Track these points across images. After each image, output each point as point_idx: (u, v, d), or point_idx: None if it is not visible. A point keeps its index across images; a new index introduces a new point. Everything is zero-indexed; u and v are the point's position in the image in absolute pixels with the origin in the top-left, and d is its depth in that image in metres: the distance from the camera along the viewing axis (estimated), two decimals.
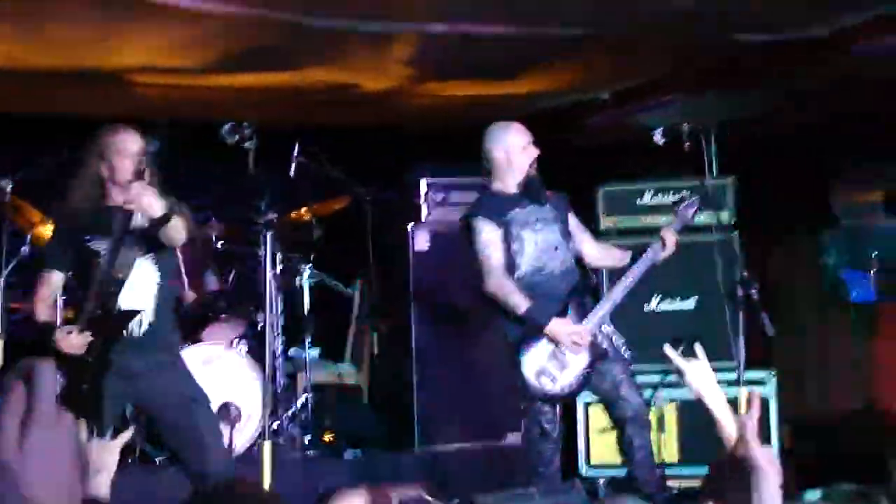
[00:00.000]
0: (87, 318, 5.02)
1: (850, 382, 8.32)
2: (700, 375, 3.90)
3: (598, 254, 6.12)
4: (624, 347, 5.90)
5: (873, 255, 8.29)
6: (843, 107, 8.05)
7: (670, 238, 5.80)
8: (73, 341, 4.96)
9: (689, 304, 7.10)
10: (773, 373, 7.00)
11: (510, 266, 5.81)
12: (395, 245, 7.71)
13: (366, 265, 7.89)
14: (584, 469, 7.05)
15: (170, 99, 7.65)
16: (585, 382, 5.76)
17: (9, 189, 6.86)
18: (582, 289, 5.86)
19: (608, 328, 5.85)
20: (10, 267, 6.87)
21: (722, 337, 6.41)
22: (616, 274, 6.03)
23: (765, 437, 6.72)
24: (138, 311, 5.13)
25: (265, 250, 5.02)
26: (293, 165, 7.22)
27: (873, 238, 8.38)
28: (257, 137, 4.94)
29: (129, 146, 5.11)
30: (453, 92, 8.18)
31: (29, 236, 6.94)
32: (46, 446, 2.00)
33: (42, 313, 5.22)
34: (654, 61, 7.54)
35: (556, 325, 5.68)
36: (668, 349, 4.97)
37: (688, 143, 5.71)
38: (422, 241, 7.58)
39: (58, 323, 5.43)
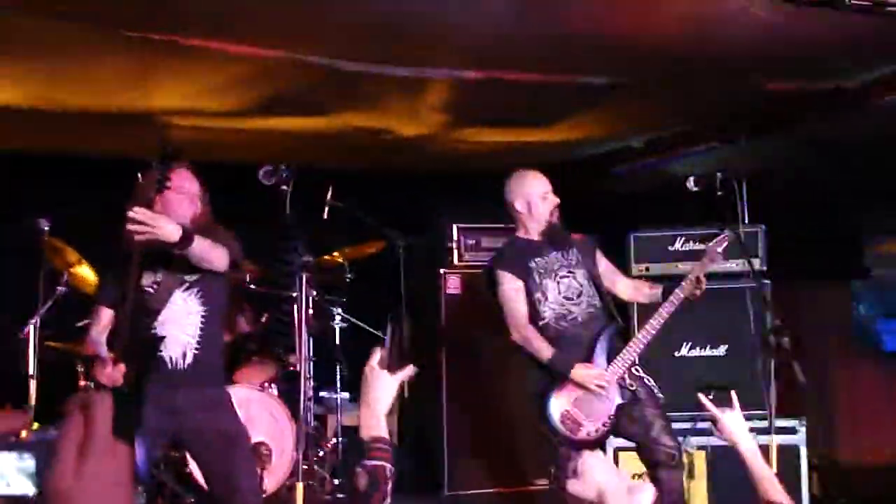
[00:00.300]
0: (120, 349, 4.94)
1: (881, 433, 8.28)
2: (733, 424, 3.94)
3: (631, 291, 6.10)
4: (656, 389, 5.85)
5: None
6: (875, 160, 8.05)
7: (699, 276, 5.75)
8: (110, 373, 4.86)
9: (720, 351, 7.07)
10: (803, 421, 6.97)
11: (534, 314, 5.82)
12: (426, 289, 7.73)
13: (397, 309, 7.92)
14: None
15: (204, 141, 7.70)
16: (613, 427, 5.72)
17: (46, 229, 6.94)
18: (608, 333, 5.80)
19: (638, 371, 5.82)
20: (46, 307, 6.94)
21: (752, 385, 6.39)
22: (646, 315, 5.97)
23: (794, 486, 6.72)
24: (163, 337, 5.07)
25: (300, 292, 4.97)
26: (326, 209, 7.26)
27: None
28: (293, 180, 4.94)
29: (185, 185, 5.12)
30: (486, 138, 8.24)
31: (65, 277, 6.99)
32: (102, 474, 2.03)
33: (97, 347, 5.12)
34: (687, 110, 7.58)
35: (580, 371, 5.67)
36: (702, 397, 5.00)
37: (720, 192, 5.69)
38: (453, 286, 7.59)
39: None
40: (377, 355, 3.44)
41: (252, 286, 7.39)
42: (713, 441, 6.47)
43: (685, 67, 6.52)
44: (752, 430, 5.65)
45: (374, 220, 7.46)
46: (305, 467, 7.11)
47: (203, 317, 5.16)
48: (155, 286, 5.10)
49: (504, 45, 6.13)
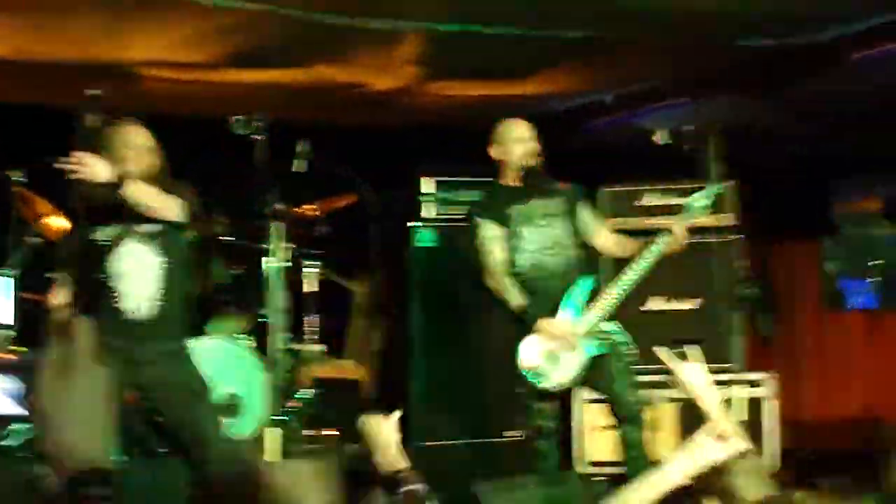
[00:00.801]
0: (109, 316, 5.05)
1: (847, 386, 8.37)
2: (693, 377, 3.87)
3: (611, 245, 6.03)
4: (626, 345, 5.85)
5: (873, 264, 8.33)
6: (844, 117, 8.09)
7: (680, 230, 5.71)
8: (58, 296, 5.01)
9: (691, 305, 7.11)
10: (771, 374, 7.03)
11: (510, 262, 5.81)
12: (399, 242, 7.74)
13: (369, 261, 7.95)
14: (580, 466, 7.09)
15: (178, 94, 7.67)
16: (579, 380, 5.72)
17: (22, 180, 6.93)
18: (581, 286, 5.76)
19: (609, 325, 5.79)
20: (21, 256, 6.94)
21: (723, 339, 6.47)
22: (621, 269, 5.89)
23: (764, 438, 6.80)
24: (170, 320, 5.17)
25: (272, 240, 4.94)
26: (299, 162, 7.24)
27: (873, 246, 8.43)
28: (267, 131, 4.94)
29: (136, 140, 5.16)
30: (460, 92, 8.24)
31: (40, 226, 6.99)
32: (83, 392, 2.07)
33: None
34: (659, 65, 7.59)
35: (546, 323, 5.67)
36: (658, 351, 5.05)
37: (689, 146, 5.69)
38: (426, 238, 7.60)
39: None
40: (364, 419, 3.62)
41: (224, 238, 7.38)
42: (681, 394, 6.53)
43: (659, 22, 6.53)
44: (721, 382, 5.74)
45: (347, 173, 7.47)
46: (278, 418, 7.16)
47: (163, 268, 5.15)
48: (110, 240, 5.13)
49: None
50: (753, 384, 6.87)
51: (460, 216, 7.58)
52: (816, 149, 8.39)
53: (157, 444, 6.59)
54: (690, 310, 7.06)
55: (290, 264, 7.49)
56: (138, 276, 5.11)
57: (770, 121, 8.37)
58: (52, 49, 6.95)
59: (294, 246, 7.52)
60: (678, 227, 5.69)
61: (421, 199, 7.63)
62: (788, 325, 8.54)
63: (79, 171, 4.76)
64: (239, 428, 6.87)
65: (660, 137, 5.75)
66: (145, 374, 5.14)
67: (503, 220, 5.82)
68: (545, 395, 5.75)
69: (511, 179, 5.92)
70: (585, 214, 5.99)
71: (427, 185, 7.65)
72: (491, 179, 7.64)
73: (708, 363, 3.94)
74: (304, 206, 7.62)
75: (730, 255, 6.79)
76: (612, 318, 5.80)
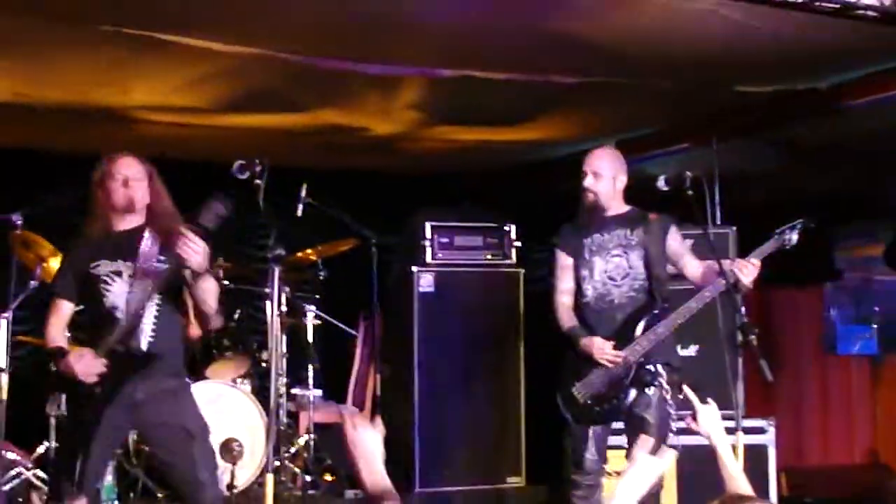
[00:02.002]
0: (106, 350, 5.00)
1: (849, 434, 8.33)
2: (710, 418, 4.04)
3: (699, 275, 5.84)
4: (667, 390, 5.65)
5: (875, 309, 8.32)
6: (846, 163, 8.10)
7: (751, 264, 5.58)
8: (89, 366, 4.95)
9: (690, 351, 7.09)
10: (771, 421, 7.00)
11: (578, 292, 5.81)
12: (399, 287, 7.74)
13: (370, 307, 7.94)
14: None
15: (177, 137, 7.69)
16: (624, 410, 5.62)
17: (19, 223, 6.92)
18: (647, 316, 5.68)
19: (660, 367, 5.63)
20: (18, 300, 6.92)
21: (723, 385, 6.42)
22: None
23: (763, 485, 6.76)
24: (160, 356, 5.12)
25: (272, 284, 4.94)
26: (300, 206, 7.26)
27: (874, 292, 8.42)
28: (267, 175, 4.96)
29: (118, 170, 5.18)
30: (459, 137, 8.24)
31: (38, 270, 6.97)
32: None
33: (53, 340, 5.19)
34: (659, 111, 7.60)
35: (589, 341, 5.66)
36: (687, 390, 5.05)
37: (690, 191, 5.66)
38: (426, 283, 7.60)
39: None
40: (349, 420, 3.46)
41: (225, 282, 7.38)
42: (683, 441, 6.50)
43: (657, 68, 6.55)
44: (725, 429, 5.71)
45: (348, 218, 7.48)
46: (277, 463, 7.15)
47: (157, 306, 5.15)
48: (111, 276, 5.15)
49: (476, 43, 6.13)
50: (753, 431, 6.85)
51: (460, 261, 7.62)
52: (817, 194, 8.38)
53: (155, 486, 6.61)
54: (690, 356, 7.03)
55: (289, 308, 7.52)
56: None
57: (769, 165, 8.38)
58: (51, 93, 6.97)
59: (294, 290, 7.54)
60: (750, 262, 5.59)
61: (423, 243, 7.63)
62: (790, 371, 8.51)
63: (183, 251, 4.86)
64: (238, 474, 6.87)
65: (663, 183, 5.69)
66: (143, 415, 5.13)
67: (576, 250, 5.83)
68: (587, 420, 5.70)
69: (592, 210, 5.87)
70: (674, 244, 5.89)
71: (428, 230, 7.66)
72: (493, 225, 7.74)
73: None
74: (305, 251, 7.63)
75: (730, 301, 6.77)
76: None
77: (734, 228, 7.25)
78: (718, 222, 7.36)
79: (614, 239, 5.80)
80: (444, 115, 7.68)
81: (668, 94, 7.16)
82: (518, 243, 7.76)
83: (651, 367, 5.63)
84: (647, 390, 5.60)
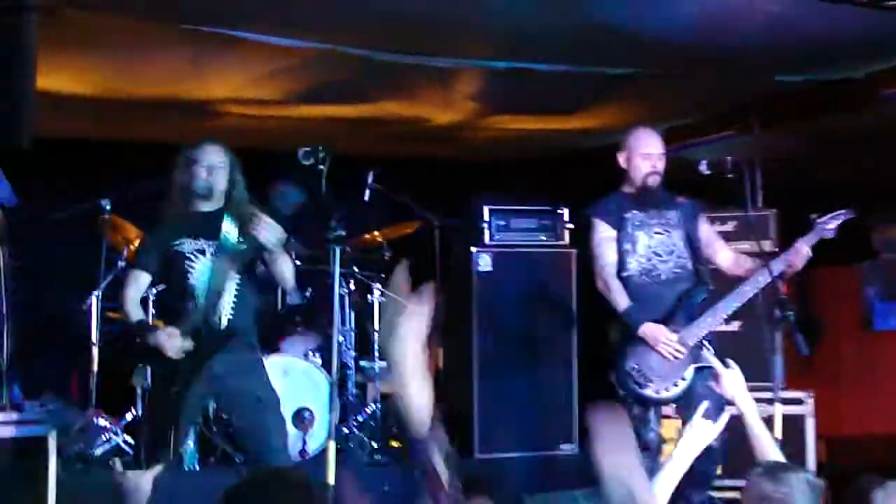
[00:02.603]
0: (190, 327, 5.06)
1: (885, 405, 8.22)
2: (735, 381, 4.04)
3: (730, 263, 5.76)
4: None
5: None
6: (878, 151, 7.99)
7: (803, 250, 5.48)
8: (177, 343, 5.01)
9: (733, 327, 6.98)
10: (810, 393, 6.91)
11: (620, 264, 5.60)
12: (459, 267, 7.70)
13: (433, 285, 7.89)
14: None
15: (252, 128, 7.72)
16: (683, 392, 5.42)
17: (108, 208, 6.97)
18: (693, 296, 5.55)
19: (707, 344, 5.51)
20: (107, 280, 6.97)
21: (763, 359, 6.34)
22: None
23: (801, 453, 6.68)
24: (243, 333, 5.19)
25: (334, 264, 5.01)
26: (367, 192, 7.28)
27: None
28: (330, 161, 4.98)
29: (203, 157, 5.25)
30: (515, 126, 8.22)
31: (125, 252, 7.01)
32: None
33: (134, 312, 5.24)
34: (704, 100, 7.53)
35: (650, 329, 5.45)
36: (706, 353, 4.99)
37: (731, 175, 5.56)
38: (484, 263, 7.55)
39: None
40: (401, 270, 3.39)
41: (296, 262, 7.38)
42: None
43: (702, 59, 6.47)
44: (761, 400, 5.62)
45: (411, 203, 7.48)
46: (346, 431, 7.15)
47: (237, 286, 5.20)
48: (195, 254, 5.18)
49: (532, 36, 6.11)
50: (792, 402, 6.77)
51: (516, 242, 7.57)
52: (855, 179, 8.26)
53: (233, 451, 6.63)
54: (732, 332, 6.93)
55: (357, 287, 7.52)
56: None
57: (809, 152, 8.28)
58: (137, 88, 7.00)
59: (361, 270, 7.54)
60: (804, 247, 5.49)
61: (481, 225, 7.58)
62: (829, 346, 8.40)
63: (258, 232, 4.95)
64: (309, 441, 6.87)
65: (705, 167, 5.59)
66: (222, 386, 5.18)
67: (618, 223, 5.64)
68: (646, 402, 5.52)
69: (632, 188, 5.73)
70: (704, 230, 5.77)
71: (486, 214, 7.61)
72: (547, 208, 7.67)
73: (749, 382, 3.93)
74: (372, 233, 7.63)
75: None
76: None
77: (774, 211, 7.16)
78: (759, 205, 7.25)
79: (654, 217, 5.64)
80: (501, 105, 7.66)
81: (713, 84, 7.09)
82: (571, 225, 7.67)
83: (706, 348, 5.47)
84: (703, 371, 5.35)
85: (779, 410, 5.55)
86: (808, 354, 5.40)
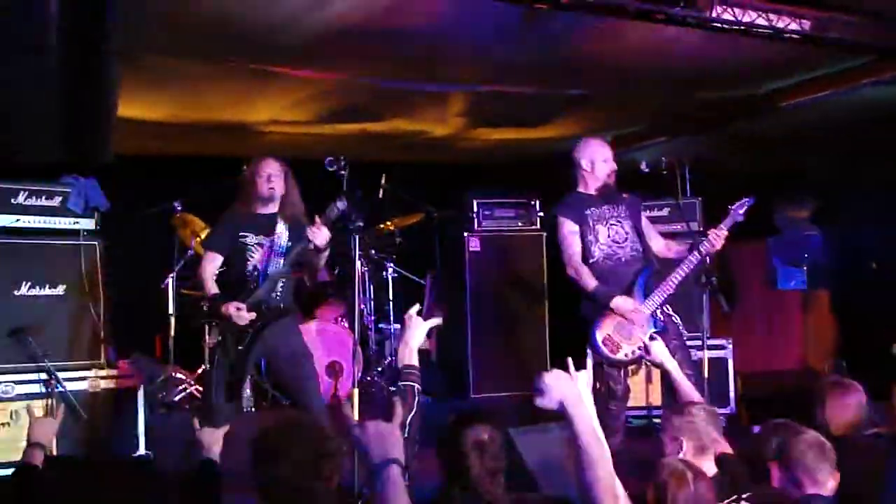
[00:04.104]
0: (254, 304, 5.08)
1: (786, 347, 8.24)
2: (659, 350, 4.42)
3: (662, 247, 5.60)
4: (680, 325, 5.49)
5: (805, 256, 8.21)
6: (778, 150, 8.01)
7: (720, 234, 5.30)
8: (244, 315, 5.03)
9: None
10: (729, 340, 6.92)
11: (586, 253, 5.40)
12: (454, 248, 7.70)
13: (433, 263, 7.92)
14: None
15: (289, 143, 7.70)
16: (646, 351, 5.13)
17: (179, 208, 6.97)
18: (647, 273, 5.39)
19: (667, 309, 5.41)
20: (180, 264, 6.98)
21: (694, 314, 6.36)
22: (672, 265, 5.47)
23: (724, 388, 6.69)
24: (288, 308, 5.23)
25: (354, 248, 5.07)
26: (380, 191, 7.27)
27: (803, 243, 8.31)
28: (350, 167, 4.98)
29: (264, 169, 5.23)
30: (496, 136, 8.19)
31: (193, 242, 7.01)
32: None
33: (213, 287, 5.21)
34: (646, 113, 7.51)
35: (620, 301, 5.27)
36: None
37: (665, 172, 5.52)
38: (474, 245, 7.55)
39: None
40: (414, 308, 3.49)
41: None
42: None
43: (640, 80, 6.46)
44: (692, 346, 5.63)
45: (415, 198, 7.47)
46: (368, 378, 7.15)
47: (285, 272, 5.22)
48: (255, 247, 5.17)
49: (509, 65, 6.09)
50: (717, 347, 6.78)
51: (499, 227, 7.56)
52: (761, 172, 8.25)
53: (281, 395, 6.64)
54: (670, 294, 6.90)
55: (374, 265, 7.51)
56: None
57: (724, 151, 8.27)
58: (198, 114, 6.98)
59: (377, 253, 7.54)
60: (718, 232, 5.33)
61: (471, 215, 7.57)
62: (744, 303, 8.40)
63: (314, 235, 4.98)
64: (339, 387, 6.87)
65: (644, 167, 5.55)
66: (271, 344, 5.18)
67: (580, 219, 5.45)
68: (615, 362, 5.35)
69: (589, 188, 5.54)
70: (644, 222, 5.64)
71: (475, 206, 7.59)
72: (523, 200, 7.65)
73: (687, 333, 4.07)
74: (385, 223, 7.62)
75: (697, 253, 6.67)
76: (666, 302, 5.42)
77: (700, 199, 7.15)
78: (688, 195, 7.24)
79: (607, 211, 5.49)
80: (485, 120, 7.62)
81: (650, 100, 7.07)
82: (541, 213, 7.67)
83: (667, 315, 5.42)
84: (670, 337, 5.22)
85: (706, 354, 5.57)
86: (728, 311, 5.43)
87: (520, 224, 7.67)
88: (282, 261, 5.16)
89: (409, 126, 7.66)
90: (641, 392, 6.54)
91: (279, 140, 7.62)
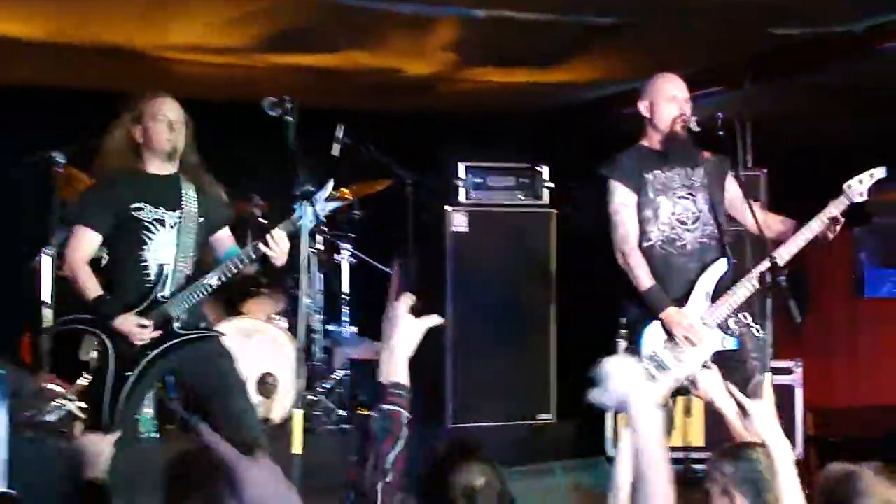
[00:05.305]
0: (160, 318, 4.97)
1: (876, 375, 8.28)
2: (712, 384, 4.21)
3: (761, 224, 5.29)
4: (764, 338, 5.38)
5: None
6: (877, 109, 7.99)
7: (837, 212, 5.20)
8: (136, 331, 4.91)
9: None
10: (798, 362, 6.94)
11: (640, 233, 5.30)
12: (433, 226, 7.70)
13: (404, 245, 7.90)
14: (611, 450, 7.02)
15: (213, 78, 7.67)
16: (693, 384, 5.20)
17: (62, 162, 6.92)
18: (716, 269, 5.27)
19: (746, 318, 5.31)
20: (61, 238, 6.92)
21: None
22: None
23: (789, 424, 6.72)
24: (217, 336, 5.16)
25: (303, 221, 4.89)
26: (337, 147, 7.22)
27: None
28: (298, 113, 4.91)
29: (165, 113, 5.07)
30: (493, 78, 8.18)
31: None
32: None
33: (90, 285, 5.01)
34: (692, 54, 7.50)
35: (671, 314, 5.18)
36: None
37: (721, 132, 5.43)
38: (459, 223, 7.55)
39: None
40: (406, 300, 3.32)
41: (262, 220, 7.35)
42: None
43: (691, 9, 6.45)
44: None
45: (382, 158, 7.43)
46: (313, 398, 7.14)
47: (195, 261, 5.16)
48: (155, 224, 5.08)
49: None
50: (781, 371, 6.80)
51: (493, 201, 7.56)
52: (849, 139, 8.27)
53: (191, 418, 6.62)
54: None
55: (325, 247, 7.49)
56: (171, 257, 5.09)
57: (803, 109, 8.28)
58: (90, 33, 6.93)
59: (329, 229, 7.51)
60: (836, 212, 5.21)
61: (456, 183, 7.56)
62: (819, 314, 8.44)
63: (274, 250, 4.93)
64: (274, 406, 6.87)
65: (694, 124, 5.47)
66: (181, 366, 5.15)
67: (637, 186, 5.32)
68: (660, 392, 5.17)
69: (654, 142, 5.43)
70: (733, 189, 5.45)
71: (462, 171, 7.59)
72: (526, 165, 7.65)
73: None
74: (341, 190, 7.59)
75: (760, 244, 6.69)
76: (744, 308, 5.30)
77: (765, 171, 7.16)
78: (749, 165, 7.25)
79: (677, 178, 5.36)
80: (479, 56, 7.60)
81: (702, 37, 7.06)
82: (551, 184, 7.67)
83: (743, 325, 5.29)
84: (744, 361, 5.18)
85: (768, 379, 5.55)
86: (800, 322, 5.37)
87: (521, 197, 7.69)
88: (193, 247, 5.09)
89: (376, 61, 7.65)
90: (677, 428, 6.57)
91: (200, 73, 7.59)
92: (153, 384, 5.43)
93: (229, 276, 5.06)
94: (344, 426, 7.17)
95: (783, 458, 3.76)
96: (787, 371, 6.88)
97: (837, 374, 8.30)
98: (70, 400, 6.74)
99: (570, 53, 7.52)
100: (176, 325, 5.02)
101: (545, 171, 7.68)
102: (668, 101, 5.37)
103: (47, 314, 6.88)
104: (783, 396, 6.75)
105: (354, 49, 7.37)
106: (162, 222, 5.04)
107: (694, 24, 6.74)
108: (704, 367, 4.32)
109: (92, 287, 5.00)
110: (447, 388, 7.48)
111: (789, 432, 6.71)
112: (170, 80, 7.36)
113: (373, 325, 8.34)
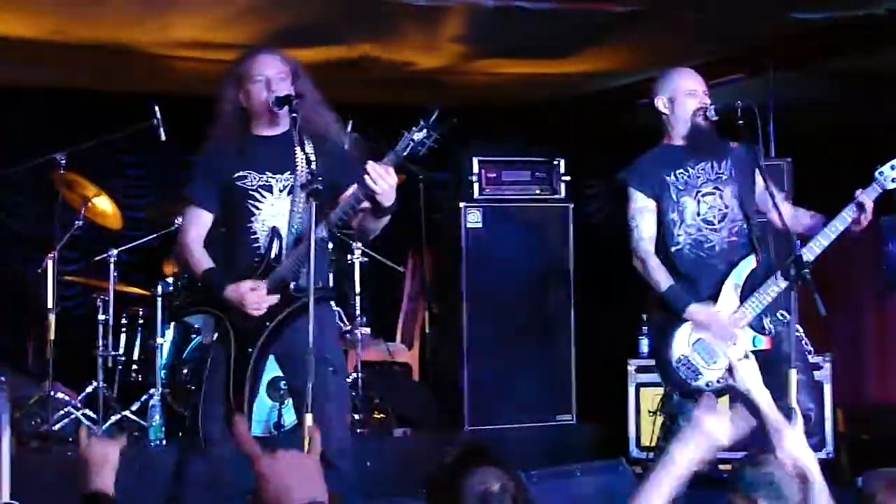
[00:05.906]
0: (275, 284, 4.69)
1: None
2: (749, 374, 4.05)
3: (789, 219, 5.23)
4: (804, 340, 5.36)
5: None
6: None
7: (869, 203, 5.14)
8: (248, 297, 4.61)
9: None
10: (827, 357, 6.91)
11: (667, 238, 5.24)
12: (446, 223, 7.70)
13: (418, 243, 7.91)
14: (633, 451, 7.02)
15: (217, 75, 7.65)
16: (730, 373, 5.14)
17: (63, 163, 6.93)
18: (745, 266, 5.20)
19: (784, 316, 5.20)
20: (64, 240, 6.94)
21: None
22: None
23: (819, 421, 6.68)
24: (329, 296, 4.95)
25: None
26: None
27: None
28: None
29: (262, 71, 4.84)
30: (506, 70, 8.17)
31: (83, 210, 6.98)
32: None
33: (204, 260, 4.78)
34: (711, 40, 7.49)
35: (696, 310, 5.15)
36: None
37: (741, 121, 5.39)
38: (474, 219, 7.54)
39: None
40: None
41: None
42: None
43: None
44: None
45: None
46: None
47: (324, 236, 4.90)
48: (261, 191, 4.86)
49: None
50: (811, 367, 6.76)
51: (508, 196, 7.56)
52: (876, 126, 8.24)
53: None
54: None
55: (336, 245, 7.49)
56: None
57: (826, 97, 8.25)
58: (92, 32, 6.94)
59: (339, 228, 7.49)
60: (867, 200, 5.16)
61: (470, 178, 7.56)
62: (848, 307, 8.41)
63: (374, 184, 4.56)
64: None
65: (713, 112, 5.43)
66: (287, 345, 4.84)
67: (659, 189, 5.27)
68: (690, 392, 5.13)
69: (677, 138, 5.38)
70: (760, 179, 5.34)
71: (475, 166, 7.58)
72: (542, 159, 7.63)
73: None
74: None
75: (785, 235, 6.66)
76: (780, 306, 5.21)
77: (789, 160, 7.14)
78: (773, 154, 7.24)
79: (701, 173, 5.29)
80: (490, 47, 7.59)
81: (721, 24, 7.05)
82: (567, 178, 7.67)
83: (780, 322, 5.21)
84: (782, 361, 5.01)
85: (793, 376, 5.50)
86: (825, 314, 5.33)
87: (538, 191, 7.69)
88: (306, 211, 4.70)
89: (386, 54, 7.65)
90: None
91: (203, 70, 7.59)
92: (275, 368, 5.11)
93: (340, 224, 4.83)
94: (359, 430, 7.17)
95: (765, 404, 3.81)
96: (816, 367, 6.83)
97: (867, 369, 8.26)
98: (76, 408, 6.80)
99: (584, 44, 7.52)
100: (292, 287, 4.72)
101: (561, 164, 7.66)
102: (688, 96, 5.34)
103: (52, 320, 6.90)
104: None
105: (361, 42, 7.38)
106: (269, 188, 4.83)
107: (712, 10, 6.73)
108: (746, 356, 4.25)
109: (204, 262, 4.81)
110: (464, 389, 7.48)
111: (818, 429, 6.74)
112: (173, 77, 7.37)
113: (387, 325, 8.38)
